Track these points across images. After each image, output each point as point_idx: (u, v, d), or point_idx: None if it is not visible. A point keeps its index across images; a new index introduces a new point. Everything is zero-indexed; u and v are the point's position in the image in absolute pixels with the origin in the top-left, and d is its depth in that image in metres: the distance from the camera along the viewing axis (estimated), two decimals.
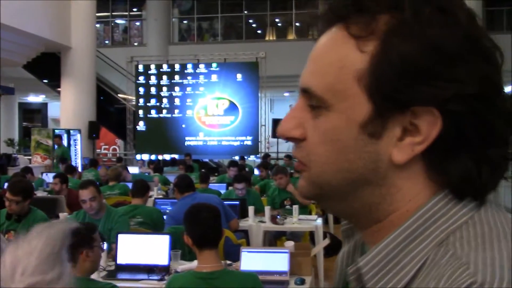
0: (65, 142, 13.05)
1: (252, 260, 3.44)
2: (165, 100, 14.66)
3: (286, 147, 18.57)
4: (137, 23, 21.26)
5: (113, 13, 21.19)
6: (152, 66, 14.77)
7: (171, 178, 8.35)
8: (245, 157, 13.34)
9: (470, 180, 0.57)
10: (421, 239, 0.57)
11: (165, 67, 14.72)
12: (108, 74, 16.46)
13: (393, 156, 0.58)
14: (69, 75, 13.73)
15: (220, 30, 20.54)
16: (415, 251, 0.56)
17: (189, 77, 14.54)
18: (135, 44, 20.54)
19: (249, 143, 14.35)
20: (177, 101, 14.61)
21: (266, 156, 13.07)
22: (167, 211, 5.28)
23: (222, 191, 6.80)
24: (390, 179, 0.59)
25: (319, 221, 5.71)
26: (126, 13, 21.27)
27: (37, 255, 0.76)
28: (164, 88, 14.65)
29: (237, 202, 5.72)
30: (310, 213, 6.32)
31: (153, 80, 14.70)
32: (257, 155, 14.23)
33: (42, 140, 13.40)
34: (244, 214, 5.59)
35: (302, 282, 3.38)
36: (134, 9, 21.23)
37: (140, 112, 14.80)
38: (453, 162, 0.57)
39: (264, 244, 5.35)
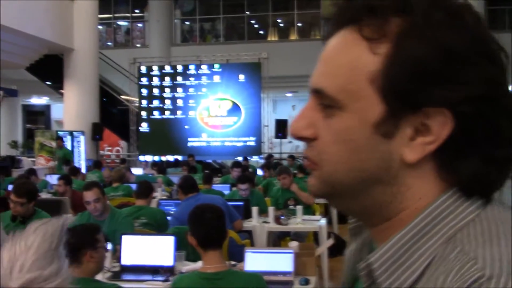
0: (68, 144, 13.08)
1: (257, 261, 3.44)
2: (167, 101, 14.69)
3: (289, 147, 18.58)
4: (140, 25, 21.28)
5: (115, 15, 21.22)
6: (155, 68, 14.80)
7: (175, 179, 8.36)
8: (248, 158, 13.35)
9: (479, 179, 0.59)
10: (430, 236, 0.58)
11: (167, 69, 14.75)
12: (111, 76, 16.49)
13: (405, 155, 0.59)
14: (72, 77, 13.76)
15: (222, 31, 20.55)
16: (424, 247, 0.58)
17: (191, 78, 14.57)
18: (138, 45, 20.57)
19: (252, 143, 14.37)
20: (179, 102, 14.63)
21: (269, 156, 13.08)
22: (171, 212, 5.29)
23: (226, 192, 6.80)
24: (401, 178, 0.60)
25: (323, 221, 5.71)
26: (128, 15, 21.31)
27: (34, 251, 0.76)
28: (167, 89, 14.68)
29: (241, 203, 5.72)
30: (313, 214, 6.32)
31: (155, 81, 14.73)
32: (260, 156, 14.24)
33: (45, 142, 13.44)
34: (248, 215, 5.60)
35: (307, 282, 3.39)
36: (136, 11, 21.26)
37: (143, 113, 14.83)
38: (462, 161, 0.59)
39: (268, 245, 5.35)
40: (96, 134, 14.00)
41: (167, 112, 14.72)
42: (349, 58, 0.61)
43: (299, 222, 5.55)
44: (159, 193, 7.48)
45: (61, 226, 0.80)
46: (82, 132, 13.60)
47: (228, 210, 4.81)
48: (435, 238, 0.58)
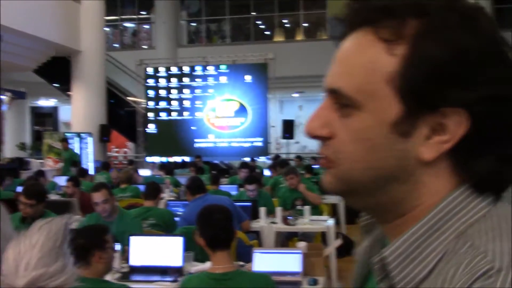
0: (76, 146, 13.13)
1: (265, 261, 3.44)
2: (174, 103, 14.72)
3: (296, 148, 18.57)
4: (146, 26, 21.34)
5: (122, 17, 21.29)
6: (161, 69, 14.84)
7: (182, 180, 8.38)
8: (255, 159, 13.34)
9: (493, 177, 0.60)
10: (442, 231, 0.60)
11: (174, 70, 14.78)
12: (118, 77, 16.54)
13: (422, 153, 0.61)
14: (79, 79, 13.82)
15: (228, 32, 20.57)
16: (436, 242, 0.59)
17: (198, 79, 14.59)
18: (144, 47, 20.63)
19: (259, 144, 14.37)
20: (186, 103, 14.66)
21: (276, 157, 13.07)
22: (179, 213, 5.30)
23: (233, 193, 6.81)
24: (417, 175, 0.62)
25: (331, 221, 5.70)
26: (135, 17, 21.37)
27: (39, 249, 0.77)
28: (174, 91, 14.71)
29: (249, 204, 5.72)
30: (321, 214, 6.32)
31: (162, 82, 14.76)
32: (268, 156, 14.23)
33: (54, 143, 13.50)
34: (255, 215, 5.60)
35: (315, 282, 3.38)
36: (143, 12, 21.32)
37: (150, 114, 14.87)
38: (477, 160, 0.61)
39: (276, 245, 5.35)
40: (103, 136, 14.04)
41: (174, 113, 14.75)
42: (366, 59, 0.62)
43: (307, 222, 5.54)
44: (167, 194, 7.50)
45: (65, 225, 0.81)
46: (90, 134, 13.65)
47: (236, 210, 4.82)
48: (447, 233, 0.59)
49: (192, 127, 14.65)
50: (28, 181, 6.50)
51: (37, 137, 19.94)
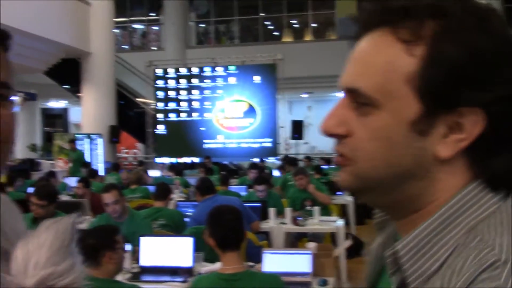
0: (86, 147, 13.20)
1: (274, 262, 3.45)
2: (183, 104, 14.76)
3: (305, 148, 18.54)
4: (155, 28, 21.42)
5: (131, 18, 21.39)
6: (171, 70, 14.89)
7: (192, 181, 8.40)
8: (264, 159, 13.34)
9: (507, 175, 0.62)
10: (453, 226, 0.61)
11: (183, 71, 14.82)
12: (127, 79, 16.61)
13: (439, 151, 0.62)
14: (89, 80, 13.90)
15: (237, 33, 20.59)
16: (447, 237, 0.61)
17: (207, 80, 14.62)
18: (153, 48, 20.71)
19: (268, 145, 14.36)
20: (195, 104, 14.69)
21: (286, 158, 13.05)
22: (189, 213, 5.32)
23: (243, 193, 6.82)
24: (433, 172, 0.63)
25: (340, 222, 5.69)
26: (144, 18, 21.46)
27: (47, 248, 0.78)
28: (183, 92, 14.75)
29: (258, 204, 5.73)
30: (330, 214, 6.31)
31: (171, 83, 14.81)
32: (277, 157, 14.23)
33: (64, 145, 13.58)
34: (265, 216, 5.60)
35: (325, 283, 3.38)
36: (152, 14, 21.41)
37: (160, 115, 14.92)
38: (492, 158, 0.62)
39: (285, 246, 5.35)
40: (113, 137, 14.11)
41: (183, 114, 14.79)
42: (385, 59, 0.63)
43: (317, 223, 5.54)
44: (176, 195, 7.52)
45: (72, 224, 0.82)
46: (100, 135, 13.72)
47: (245, 211, 4.82)
48: (458, 228, 0.61)
49: (201, 128, 14.68)
50: (39, 182, 6.55)
51: (48, 138, 20.09)
